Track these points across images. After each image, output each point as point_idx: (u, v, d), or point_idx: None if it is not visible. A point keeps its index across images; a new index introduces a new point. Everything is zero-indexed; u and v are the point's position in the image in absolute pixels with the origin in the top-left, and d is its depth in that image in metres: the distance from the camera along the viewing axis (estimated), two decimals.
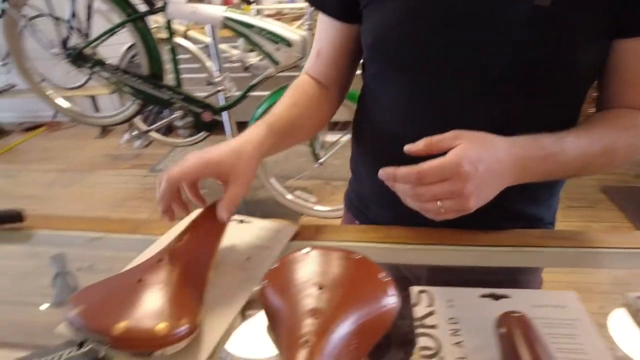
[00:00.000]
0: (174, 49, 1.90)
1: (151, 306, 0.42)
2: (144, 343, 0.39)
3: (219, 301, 0.47)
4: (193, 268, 0.47)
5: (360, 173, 0.73)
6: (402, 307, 0.45)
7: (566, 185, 0.66)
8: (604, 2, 0.48)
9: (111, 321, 0.39)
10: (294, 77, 0.71)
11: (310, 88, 0.67)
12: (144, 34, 1.80)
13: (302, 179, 2.40)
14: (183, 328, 0.39)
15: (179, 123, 2.30)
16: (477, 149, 0.45)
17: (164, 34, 1.88)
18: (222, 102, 2.05)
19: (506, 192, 0.49)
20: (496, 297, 0.47)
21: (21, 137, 3.73)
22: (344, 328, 0.37)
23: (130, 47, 2.06)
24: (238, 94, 1.98)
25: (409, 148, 0.47)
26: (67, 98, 2.23)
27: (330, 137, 2.10)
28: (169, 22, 1.84)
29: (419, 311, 0.46)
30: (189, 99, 1.92)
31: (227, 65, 2.15)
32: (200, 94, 1.97)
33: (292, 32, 1.72)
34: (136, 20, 1.77)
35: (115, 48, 2.06)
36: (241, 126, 1.25)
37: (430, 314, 0.46)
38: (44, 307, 0.61)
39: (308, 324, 0.37)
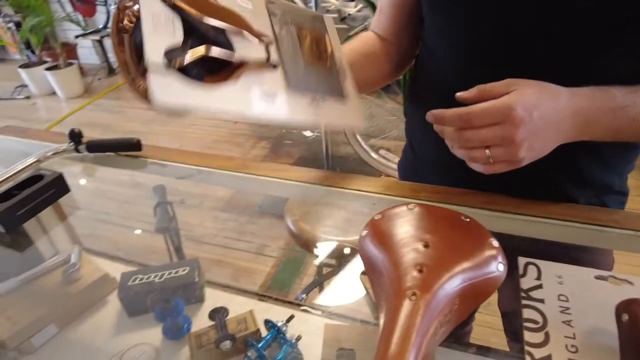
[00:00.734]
0: None
1: None
2: None
3: None
4: None
5: (417, 137, 0.71)
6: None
7: None
8: None
9: None
10: None
11: (369, 40, 0.67)
12: None
13: (386, 138, 2.36)
14: None
15: None
16: (533, 95, 0.41)
17: None
18: None
19: (572, 152, 0.44)
20: (617, 281, 0.43)
21: None
22: (449, 286, 0.36)
23: None
24: None
25: (461, 95, 0.45)
26: None
27: None
28: None
29: (525, 282, 0.44)
30: None
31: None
32: None
33: None
34: None
35: None
36: None
37: (538, 287, 0.43)
38: (140, 231, 0.67)
39: (414, 278, 0.36)
